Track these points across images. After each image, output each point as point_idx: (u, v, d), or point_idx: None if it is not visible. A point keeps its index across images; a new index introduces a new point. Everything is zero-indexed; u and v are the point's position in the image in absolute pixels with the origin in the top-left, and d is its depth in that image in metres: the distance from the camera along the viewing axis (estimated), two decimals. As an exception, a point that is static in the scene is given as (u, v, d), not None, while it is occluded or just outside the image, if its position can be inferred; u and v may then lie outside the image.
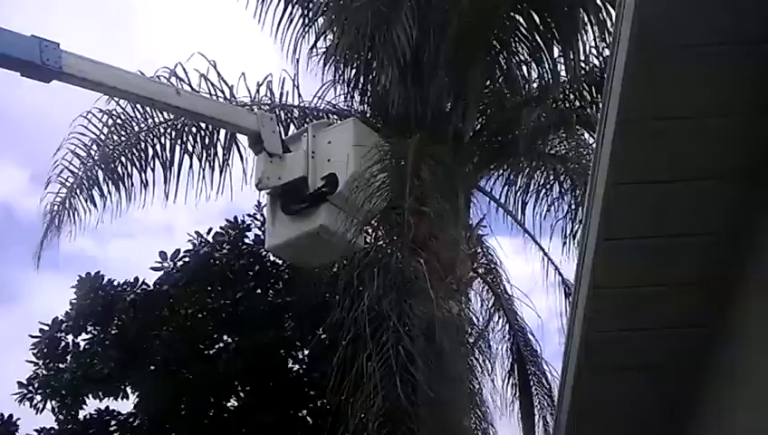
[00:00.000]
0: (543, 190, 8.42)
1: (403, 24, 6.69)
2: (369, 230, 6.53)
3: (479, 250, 8.39)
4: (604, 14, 7.08)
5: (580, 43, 7.39)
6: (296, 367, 10.47)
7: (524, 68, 7.95)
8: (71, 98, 8.27)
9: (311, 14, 8.43)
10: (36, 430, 10.13)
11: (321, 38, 8.45)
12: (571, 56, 7.43)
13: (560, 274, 8.84)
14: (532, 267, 8.72)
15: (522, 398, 8.45)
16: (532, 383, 8.50)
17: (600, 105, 7.12)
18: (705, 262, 3.40)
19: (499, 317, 8.52)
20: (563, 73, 7.72)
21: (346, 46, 7.83)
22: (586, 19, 7.18)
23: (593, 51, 7.57)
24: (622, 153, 3.03)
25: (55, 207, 8.21)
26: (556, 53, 7.57)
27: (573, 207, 7.97)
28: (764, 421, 3.13)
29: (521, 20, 7.59)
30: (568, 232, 8.03)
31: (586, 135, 8.04)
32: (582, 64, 7.59)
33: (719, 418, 3.70)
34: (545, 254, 8.88)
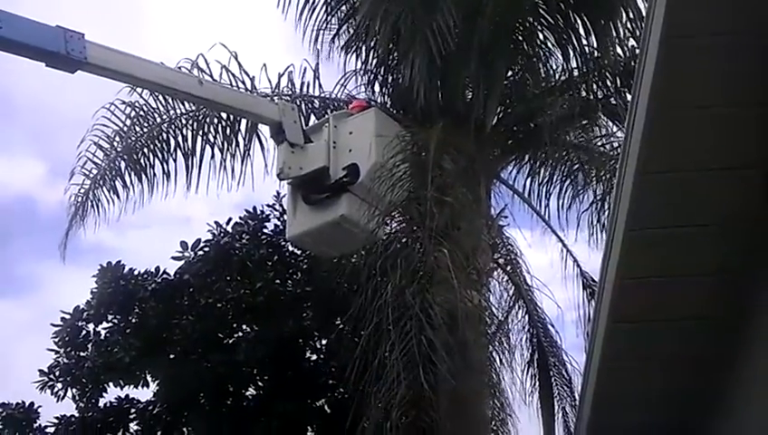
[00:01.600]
0: (568, 181, 8.36)
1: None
2: (391, 220, 6.52)
3: (500, 241, 8.37)
4: (632, 2, 7.02)
5: (608, 31, 7.33)
6: (314, 357, 10.51)
7: (548, 57, 7.91)
8: (90, 91, 8.33)
9: (333, 3, 8.41)
10: (57, 418, 10.24)
11: (344, 27, 8.43)
12: (598, 45, 7.38)
13: (578, 265, 8.81)
14: (552, 258, 8.68)
15: (541, 388, 8.44)
16: (551, 374, 8.48)
17: (627, 95, 7.09)
18: (732, 252, 3.38)
19: (519, 308, 8.51)
20: (589, 63, 7.67)
21: (369, 36, 7.82)
22: (615, 7, 7.11)
23: (619, 40, 7.50)
24: (651, 142, 3.02)
25: (80, 199, 8.29)
26: (582, 42, 7.52)
27: (599, 196, 7.91)
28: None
29: (547, 8, 7.55)
30: (595, 221, 7.97)
31: (611, 125, 8.00)
32: (609, 53, 7.52)
33: (743, 412, 3.69)
34: (564, 245, 8.84)
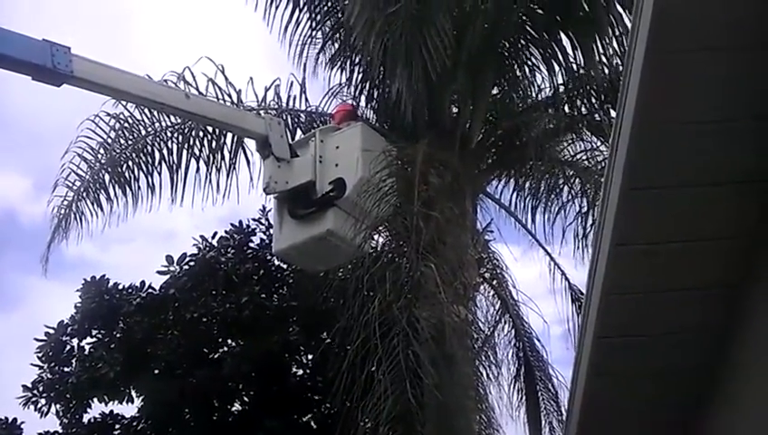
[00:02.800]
0: (552, 195, 8.41)
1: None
2: (378, 235, 6.53)
3: (486, 255, 8.39)
4: (617, 19, 7.09)
5: (593, 48, 7.40)
6: (300, 372, 10.47)
7: (534, 73, 7.97)
8: (76, 106, 8.31)
9: (318, 18, 8.44)
10: (40, 434, 10.13)
11: (329, 42, 8.46)
12: (583, 62, 7.45)
13: (566, 279, 8.85)
14: (539, 272, 8.72)
15: (528, 403, 8.43)
16: (538, 388, 8.48)
17: (611, 111, 7.15)
18: (718, 268, 3.40)
19: (505, 322, 8.51)
20: (575, 79, 7.74)
21: (355, 51, 7.85)
22: (601, 24, 7.19)
23: (604, 57, 7.58)
24: (637, 158, 3.04)
25: (62, 211, 8.24)
26: (568, 58, 7.59)
27: (584, 210, 7.97)
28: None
29: (533, 25, 7.62)
30: (580, 236, 8.02)
31: (595, 140, 8.06)
32: (594, 70, 7.59)
33: (730, 426, 3.70)
34: (552, 259, 8.88)
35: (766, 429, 3.27)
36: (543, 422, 8.48)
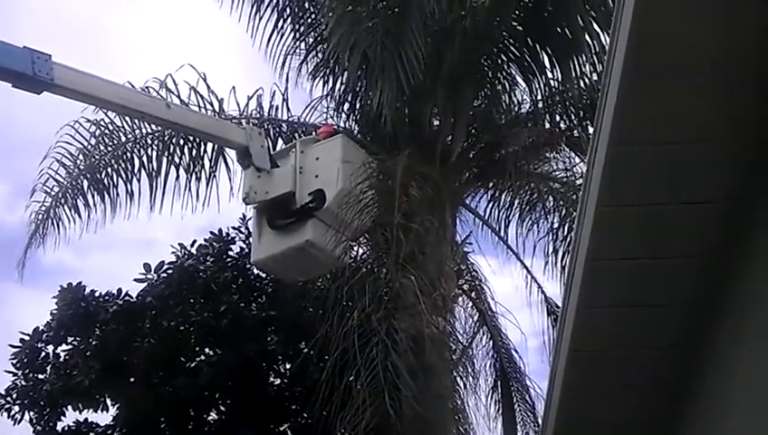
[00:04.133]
0: (527, 208, 8.49)
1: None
2: (357, 246, 6.57)
3: (464, 267, 8.45)
4: (594, 38, 7.20)
5: (571, 66, 7.51)
6: (278, 381, 10.43)
7: (514, 89, 8.07)
8: (56, 111, 8.27)
9: (301, 30, 8.49)
10: (13, 442, 10.01)
11: (312, 54, 8.50)
12: (562, 78, 7.55)
13: (542, 292, 8.93)
14: (515, 285, 8.79)
15: (505, 414, 8.49)
16: (515, 399, 8.55)
17: (589, 127, 7.26)
18: (694, 281, 3.46)
19: (483, 333, 8.58)
20: (554, 95, 7.85)
21: (337, 63, 7.90)
22: (579, 41, 7.29)
23: (584, 73, 7.69)
24: (613, 175, 3.10)
25: (40, 217, 8.20)
26: (547, 74, 7.70)
27: (556, 225, 8.05)
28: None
29: (513, 41, 7.72)
30: (550, 251, 8.10)
31: (574, 156, 8.16)
32: (573, 86, 7.70)
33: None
34: (528, 272, 8.96)
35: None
36: (520, 433, 8.55)
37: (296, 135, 8.19)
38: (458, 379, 7.16)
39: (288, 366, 10.31)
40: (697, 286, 3.44)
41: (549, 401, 4.43)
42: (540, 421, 7.70)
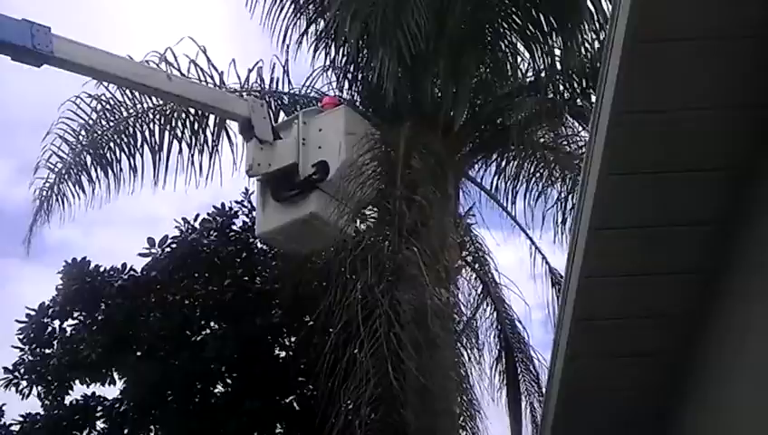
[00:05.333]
0: (533, 179, 8.46)
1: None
2: (360, 218, 6.56)
3: (468, 238, 8.45)
4: (597, 7, 7.13)
5: (575, 33, 7.43)
6: (283, 354, 10.48)
7: (517, 57, 7.99)
8: (59, 87, 8.23)
9: (302, 1, 8.40)
10: (22, 416, 10.09)
11: (313, 25, 8.43)
12: (565, 47, 7.48)
13: (547, 263, 8.93)
14: (520, 256, 8.80)
15: (509, 384, 8.54)
16: (519, 370, 8.58)
17: (593, 96, 7.21)
18: (697, 250, 3.46)
19: (487, 305, 8.60)
20: (556, 64, 7.78)
21: (338, 34, 7.83)
22: (582, 10, 7.21)
23: (586, 42, 7.62)
24: (616, 144, 3.08)
25: (44, 193, 8.20)
26: (550, 43, 7.63)
27: (563, 195, 8.02)
28: (753, 413, 3.20)
29: (516, 10, 7.64)
30: (559, 221, 8.08)
31: (577, 125, 8.11)
32: (575, 55, 7.63)
33: (708, 406, 3.78)
34: (533, 243, 8.95)
35: (744, 413, 3.34)
36: (524, 403, 8.60)
37: (298, 107, 8.14)
38: (462, 350, 7.20)
39: (293, 339, 10.36)
40: (701, 255, 3.43)
41: (552, 371, 4.45)
42: (544, 391, 7.76)
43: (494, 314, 8.64)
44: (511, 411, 8.50)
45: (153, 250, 10.04)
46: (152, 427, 10.23)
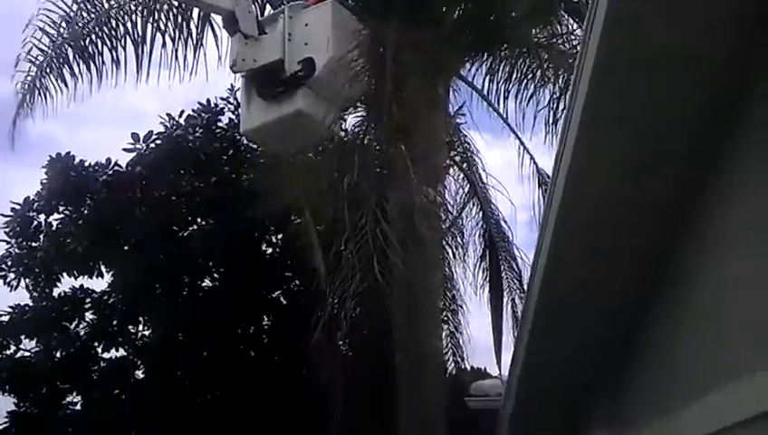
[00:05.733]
0: (525, 80, 8.34)
1: None
2: (348, 115, 6.50)
3: (457, 138, 8.42)
4: None
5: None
6: (270, 251, 10.61)
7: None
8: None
9: None
10: (11, 307, 10.25)
11: None
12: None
13: (535, 163, 8.96)
14: (508, 158, 8.80)
15: (492, 281, 8.73)
16: (502, 268, 8.76)
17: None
18: (683, 142, 3.45)
19: (473, 205, 8.67)
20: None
21: None
22: None
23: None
24: (614, 32, 3.02)
25: (26, 86, 8.03)
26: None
27: (555, 96, 7.94)
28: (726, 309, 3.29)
29: None
30: (550, 121, 8.03)
31: (572, 22, 7.95)
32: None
33: (683, 304, 3.88)
34: (522, 144, 8.95)
35: (717, 306, 3.44)
36: (506, 300, 8.83)
37: (284, 1, 7.90)
38: (447, 248, 7.30)
39: (279, 237, 10.46)
40: (692, 144, 3.42)
41: (534, 269, 4.53)
42: (525, 288, 7.95)
43: (480, 213, 8.74)
44: (492, 307, 8.73)
45: (138, 145, 9.99)
46: (140, 319, 10.45)
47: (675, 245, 3.84)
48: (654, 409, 4.15)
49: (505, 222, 8.66)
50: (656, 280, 4.08)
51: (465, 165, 8.49)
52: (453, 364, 9.04)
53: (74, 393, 10.10)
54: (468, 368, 9.66)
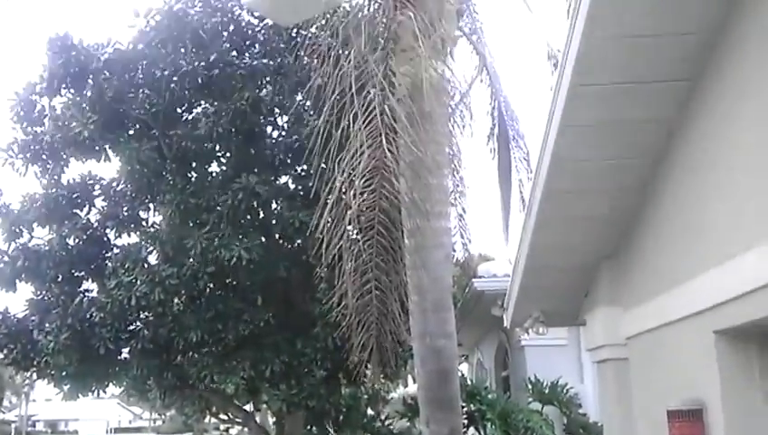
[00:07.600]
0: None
1: None
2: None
3: (465, 6, 8.05)
4: None
5: None
6: (275, 133, 10.46)
7: None
8: None
9: None
10: (22, 195, 10.26)
11: None
12: None
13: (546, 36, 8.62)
14: (519, 29, 8.46)
15: (500, 160, 8.60)
16: (510, 147, 8.60)
17: None
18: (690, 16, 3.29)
19: (482, 80, 8.41)
20: None
21: None
22: None
23: None
24: None
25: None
26: None
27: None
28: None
29: None
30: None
31: None
32: None
33: (686, 182, 3.80)
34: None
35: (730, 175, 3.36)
36: (514, 179, 8.72)
37: None
38: (455, 125, 7.15)
39: (285, 119, 10.28)
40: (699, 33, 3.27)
41: (544, 143, 4.41)
42: (533, 168, 7.83)
43: (489, 89, 8.50)
44: (500, 186, 8.64)
45: (138, 20, 9.72)
46: (150, 205, 10.46)
47: (677, 126, 3.72)
48: (662, 283, 4.14)
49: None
50: (669, 147, 3.99)
51: (474, 36, 8.16)
52: (461, 246, 9.05)
53: (89, 280, 10.25)
54: (476, 255, 9.66)
